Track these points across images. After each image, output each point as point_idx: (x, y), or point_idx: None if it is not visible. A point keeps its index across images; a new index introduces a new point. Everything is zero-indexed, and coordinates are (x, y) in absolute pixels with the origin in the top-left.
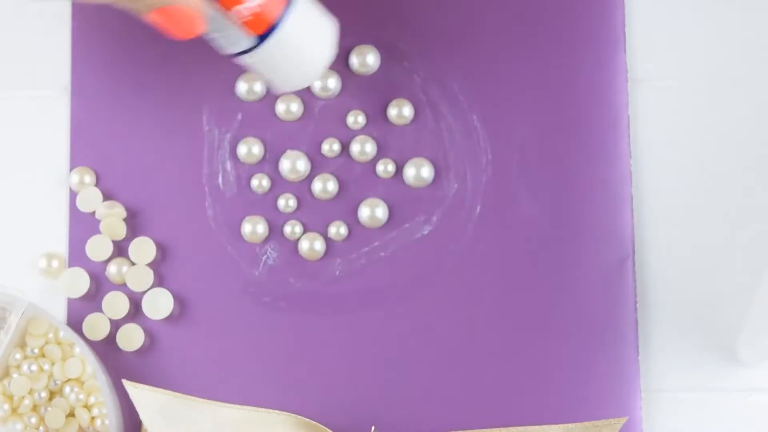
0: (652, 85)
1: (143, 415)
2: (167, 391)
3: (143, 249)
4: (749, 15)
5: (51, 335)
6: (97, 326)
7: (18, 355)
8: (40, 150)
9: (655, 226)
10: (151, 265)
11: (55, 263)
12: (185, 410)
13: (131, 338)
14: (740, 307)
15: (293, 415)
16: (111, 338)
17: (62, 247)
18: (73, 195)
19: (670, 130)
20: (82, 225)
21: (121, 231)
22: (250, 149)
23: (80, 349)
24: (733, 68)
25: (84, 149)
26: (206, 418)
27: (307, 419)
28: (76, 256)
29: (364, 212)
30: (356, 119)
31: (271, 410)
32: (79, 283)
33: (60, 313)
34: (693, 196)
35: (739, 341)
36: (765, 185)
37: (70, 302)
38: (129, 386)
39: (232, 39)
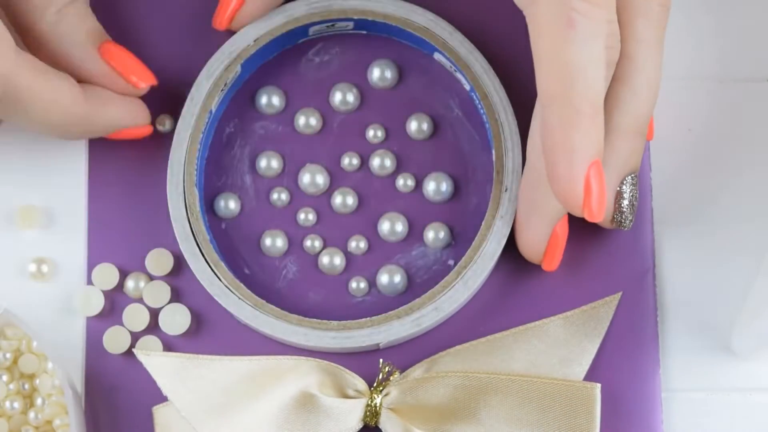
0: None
1: (161, 383)
2: (176, 354)
3: (161, 261)
4: (750, 13)
5: (24, 345)
6: (117, 339)
7: None
8: (57, 156)
9: (667, 233)
10: (168, 278)
11: (44, 268)
12: (198, 370)
13: (150, 350)
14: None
15: (307, 358)
16: (128, 350)
17: (81, 256)
18: (92, 196)
19: (668, 131)
20: (102, 236)
21: None
22: (270, 163)
23: (52, 363)
24: (736, 67)
25: (101, 157)
26: (219, 374)
27: (320, 360)
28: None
29: (384, 226)
30: (375, 133)
31: (282, 356)
32: (95, 302)
33: (79, 327)
34: (697, 198)
35: (733, 333)
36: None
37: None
38: (141, 355)
39: None
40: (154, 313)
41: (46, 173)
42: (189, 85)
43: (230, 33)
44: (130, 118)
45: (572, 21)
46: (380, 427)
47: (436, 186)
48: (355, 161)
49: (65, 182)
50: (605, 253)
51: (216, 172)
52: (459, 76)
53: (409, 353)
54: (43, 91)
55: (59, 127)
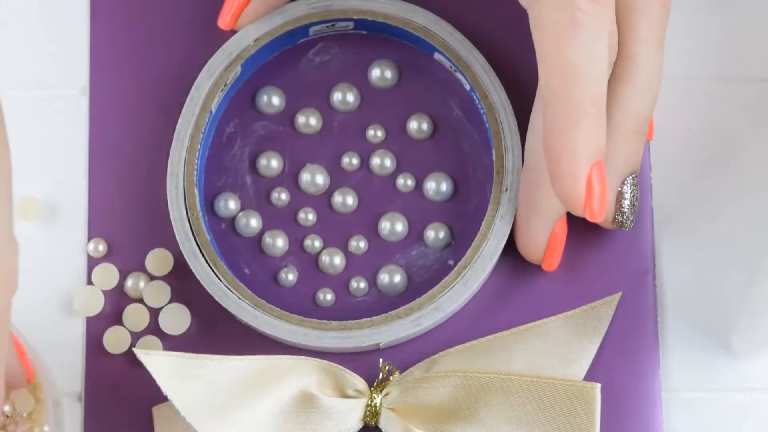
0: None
1: (161, 383)
2: (177, 353)
3: (161, 261)
4: (750, 13)
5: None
6: (117, 339)
7: None
8: (58, 149)
9: (667, 233)
10: (168, 278)
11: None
12: (198, 369)
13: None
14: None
15: (307, 358)
16: (128, 350)
17: (81, 256)
18: (92, 196)
19: (668, 131)
20: (102, 236)
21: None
22: (270, 163)
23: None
24: (736, 67)
25: (102, 157)
26: (219, 374)
27: (321, 360)
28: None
29: (384, 226)
30: (375, 133)
31: (282, 356)
32: (95, 302)
33: (79, 327)
34: (697, 198)
35: (733, 333)
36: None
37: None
38: (141, 354)
39: None
40: (154, 313)
41: (47, 173)
42: (189, 85)
43: (232, 32)
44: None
45: (578, 21)
46: (380, 427)
47: (436, 186)
48: (355, 161)
49: (65, 182)
50: (605, 253)
51: (216, 172)
52: (459, 76)
53: (409, 353)
54: None
55: None
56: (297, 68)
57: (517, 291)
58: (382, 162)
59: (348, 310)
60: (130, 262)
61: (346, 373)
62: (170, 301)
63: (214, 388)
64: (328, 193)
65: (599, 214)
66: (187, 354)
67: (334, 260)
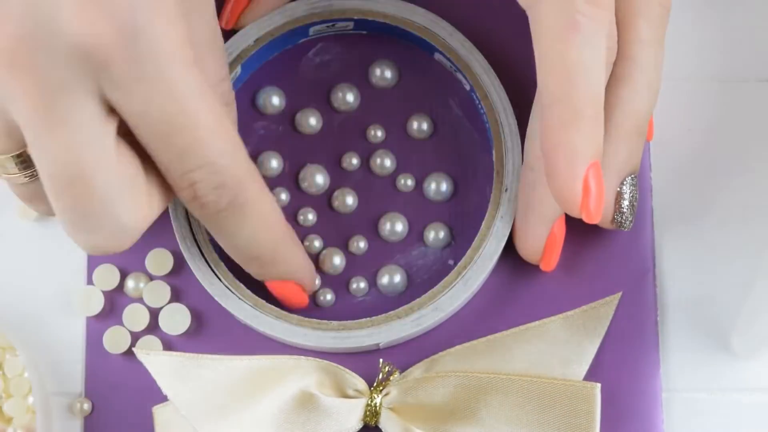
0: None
1: (161, 383)
2: (177, 353)
3: (161, 261)
4: (751, 13)
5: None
6: (117, 339)
7: None
8: None
9: (667, 233)
10: (168, 278)
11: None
12: (198, 369)
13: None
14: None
15: (307, 358)
16: (128, 350)
17: (81, 257)
18: None
19: (668, 131)
20: None
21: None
22: (270, 163)
23: (29, 373)
24: (737, 67)
25: None
26: (219, 375)
27: (321, 360)
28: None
29: (384, 226)
30: (375, 133)
31: (282, 356)
32: (95, 302)
33: (79, 327)
34: (697, 198)
35: (733, 333)
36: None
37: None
38: (141, 354)
39: None
40: (154, 313)
41: None
42: None
43: (232, 32)
44: (304, 273)
45: (577, 23)
46: (380, 427)
47: (436, 186)
48: (355, 161)
49: None
50: (605, 253)
51: None
52: (459, 76)
53: (409, 353)
54: (266, 203)
55: (255, 254)
56: (297, 68)
57: (517, 291)
58: (382, 162)
59: (348, 310)
60: (130, 262)
61: (346, 373)
62: (170, 301)
63: (214, 388)
64: (328, 193)
65: (596, 215)
66: (187, 354)
67: (334, 260)
